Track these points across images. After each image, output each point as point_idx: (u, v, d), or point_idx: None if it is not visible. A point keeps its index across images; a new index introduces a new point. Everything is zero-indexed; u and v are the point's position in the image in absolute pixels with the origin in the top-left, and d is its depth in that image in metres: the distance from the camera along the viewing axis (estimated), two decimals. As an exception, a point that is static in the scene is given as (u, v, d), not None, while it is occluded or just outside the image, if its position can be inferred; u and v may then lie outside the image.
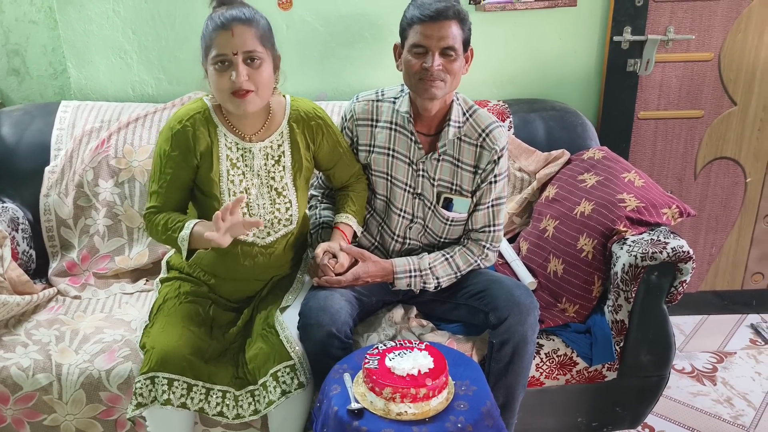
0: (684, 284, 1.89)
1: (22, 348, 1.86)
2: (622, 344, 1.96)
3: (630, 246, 1.90)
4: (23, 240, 2.16)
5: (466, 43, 1.80)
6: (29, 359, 1.82)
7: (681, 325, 2.77)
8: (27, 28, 2.45)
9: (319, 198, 2.07)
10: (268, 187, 1.82)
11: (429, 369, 1.50)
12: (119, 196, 2.22)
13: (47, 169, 2.22)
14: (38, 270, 2.23)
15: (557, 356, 1.94)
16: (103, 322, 1.99)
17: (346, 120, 1.96)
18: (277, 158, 1.82)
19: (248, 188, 1.80)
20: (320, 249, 1.81)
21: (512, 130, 2.39)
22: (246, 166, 1.79)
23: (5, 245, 2.00)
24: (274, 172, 1.82)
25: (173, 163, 1.74)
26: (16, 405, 1.80)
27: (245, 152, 1.79)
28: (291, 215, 1.84)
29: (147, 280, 2.21)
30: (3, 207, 2.15)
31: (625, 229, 1.95)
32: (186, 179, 1.76)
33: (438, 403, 1.49)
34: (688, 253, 1.84)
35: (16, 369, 1.79)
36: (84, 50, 2.40)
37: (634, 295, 1.90)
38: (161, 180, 1.75)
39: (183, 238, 1.67)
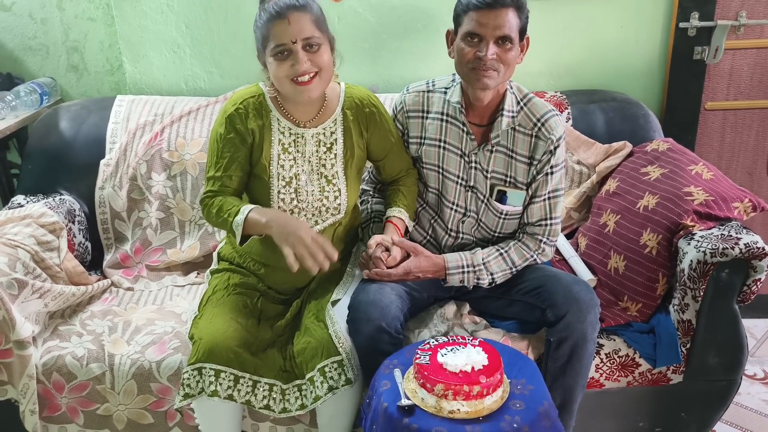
0: (758, 283, 1.78)
1: (77, 338, 1.88)
2: (688, 345, 1.86)
3: (698, 241, 1.79)
4: (79, 232, 2.20)
5: (523, 32, 1.73)
6: (84, 349, 1.84)
7: (752, 328, 2.62)
8: (85, 25, 2.50)
9: (371, 193, 2.04)
10: (318, 174, 1.79)
11: (483, 366, 1.44)
12: (171, 189, 2.23)
13: (102, 162, 2.25)
14: (93, 262, 2.26)
15: (618, 357, 1.85)
16: (154, 314, 2.00)
17: (396, 112, 1.92)
18: (329, 145, 1.79)
19: (298, 174, 1.78)
20: (373, 241, 1.78)
21: (570, 121, 2.30)
22: (297, 151, 1.78)
23: (62, 236, 2.03)
24: (326, 160, 1.79)
25: (230, 146, 1.74)
26: (71, 394, 1.82)
27: (298, 138, 1.78)
28: (339, 204, 1.81)
29: (198, 273, 2.22)
30: (61, 199, 2.19)
31: (692, 223, 1.84)
32: (243, 160, 1.76)
33: (492, 401, 1.42)
34: (764, 249, 1.73)
35: (71, 358, 1.82)
36: (139, 45, 2.43)
37: (702, 293, 1.80)
38: (218, 164, 1.75)
39: (237, 223, 1.67)
